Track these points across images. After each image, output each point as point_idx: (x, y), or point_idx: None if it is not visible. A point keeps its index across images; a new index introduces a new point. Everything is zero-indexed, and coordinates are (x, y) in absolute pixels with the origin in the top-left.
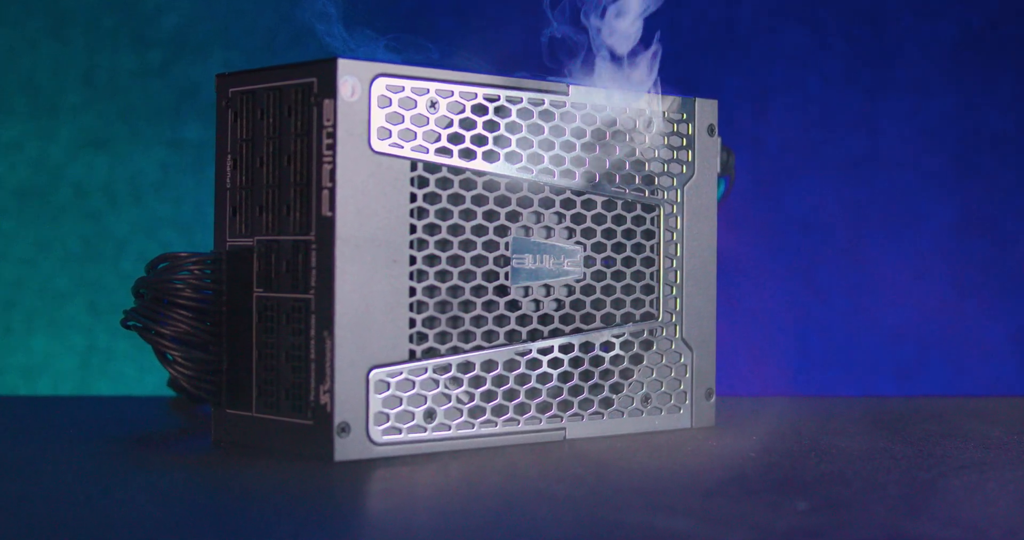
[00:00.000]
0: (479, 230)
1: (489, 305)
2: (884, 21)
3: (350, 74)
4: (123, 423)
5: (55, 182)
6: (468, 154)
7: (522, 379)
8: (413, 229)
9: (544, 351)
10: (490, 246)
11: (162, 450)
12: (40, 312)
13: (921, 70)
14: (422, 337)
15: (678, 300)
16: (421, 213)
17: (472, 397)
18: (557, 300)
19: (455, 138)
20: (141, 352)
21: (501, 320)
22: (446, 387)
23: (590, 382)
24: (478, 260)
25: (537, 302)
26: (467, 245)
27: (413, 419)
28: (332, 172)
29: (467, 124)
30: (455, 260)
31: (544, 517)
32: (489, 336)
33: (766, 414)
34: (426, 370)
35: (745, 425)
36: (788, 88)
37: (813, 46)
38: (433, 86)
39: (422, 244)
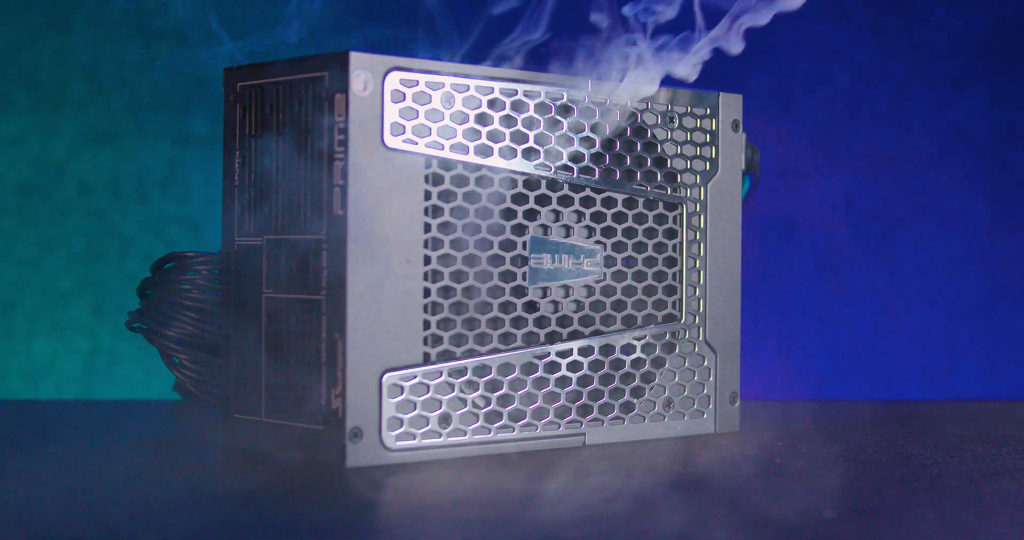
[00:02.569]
0: (496, 229)
1: (506, 306)
2: (914, 13)
3: (362, 68)
4: (128, 428)
5: (58, 179)
6: (484, 150)
7: (540, 383)
8: (428, 228)
9: (563, 354)
10: (507, 245)
11: (168, 456)
12: (42, 313)
13: (952, 64)
14: (437, 340)
15: (701, 301)
16: (436, 211)
17: (488, 402)
18: (576, 301)
19: (471, 134)
20: (147, 355)
21: (518, 322)
22: (462, 391)
23: (610, 386)
24: (495, 260)
25: (556, 303)
26: (483, 244)
27: (427, 424)
28: (344, 169)
29: (483, 119)
30: (471, 260)
31: (563, 526)
32: (506, 338)
33: (792, 419)
34: (441, 374)
35: (770, 430)
36: (815, 82)
37: (841, 39)
38: (448, 80)
39: (437, 243)
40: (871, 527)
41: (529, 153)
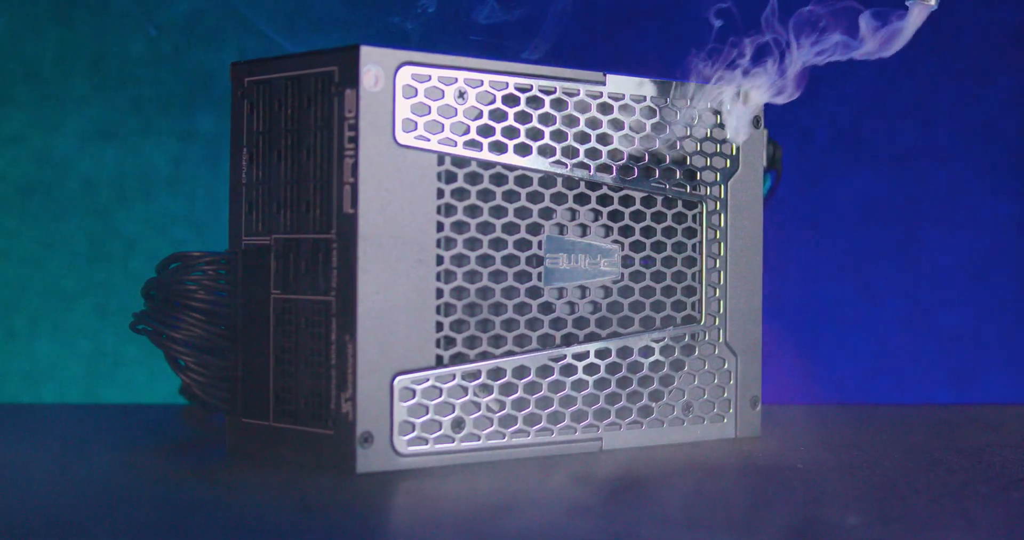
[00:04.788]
0: (510, 228)
1: (521, 308)
2: (942, 5)
3: (373, 62)
4: (132, 433)
5: (61, 177)
6: (499, 147)
7: (556, 386)
8: (440, 227)
9: (579, 356)
10: (522, 245)
11: (173, 461)
12: (45, 315)
13: (980, 57)
14: (450, 342)
15: (722, 302)
16: (449, 210)
17: (503, 405)
18: (593, 302)
19: (485, 130)
20: (151, 357)
21: (534, 323)
22: (475, 395)
23: (628, 389)
24: (509, 260)
25: (572, 304)
26: (497, 244)
27: (440, 429)
28: (354, 166)
29: (497, 115)
30: (485, 260)
31: (579, 533)
32: (521, 341)
33: (815, 423)
34: (454, 377)
35: (792, 435)
36: (839, 76)
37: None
38: (461, 75)
39: (450, 243)
40: (895, 534)
41: (545, 150)
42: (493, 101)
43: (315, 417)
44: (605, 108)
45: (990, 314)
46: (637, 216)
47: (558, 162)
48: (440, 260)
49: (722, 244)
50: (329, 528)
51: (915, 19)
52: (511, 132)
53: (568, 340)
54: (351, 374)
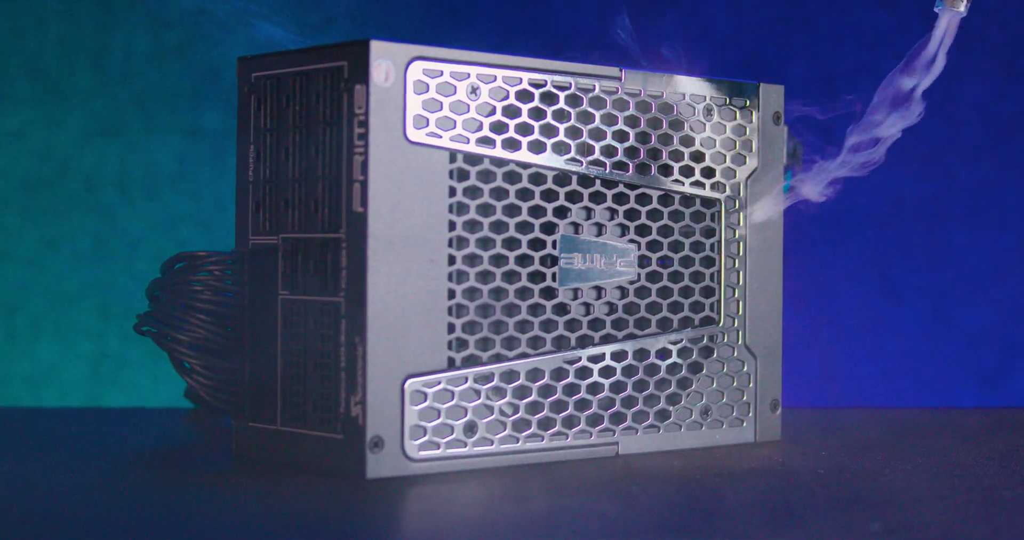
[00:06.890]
0: (524, 227)
1: (535, 309)
2: None
3: (384, 57)
4: (136, 437)
5: (63, 174)
6: (512, 144)
7: (571, 389)
8: (452, 226)
9: (595, 359)
10: (536, 244)
11: (179, 467)
12: (47, 316)
13: (1005, 52)
14: (462, 344)
15: (741, 303)
16: (461, 208)
17: (516, 409)
18: (609, 303)
19: (498, 127)
20: (156, 360)
21: (548, 325)
22: (488, 398)
23: (645, 393)
24: (523, 260)
25: (587, 305)
26: (511, 243)
27: (452, 433)
28: (364, 164)
29: (511, 112)
30: (498, 260)
31: None
32: (535, 343)
33: (836, 427)
34: (466, 379)
35: (813, 439)
36: (861, 72)
37: (887, 26)
38: (474, 70)
39: (462, 242)
40: None
41: (559, 147)
42: (506, 97)
43: (324, 421)
44: (621, 104)
45: (1015, 315)
46: (654, 215)
47: (573, 160)
48: (452, 260)
49: (741, 244)
50: (338, 535)
51: (944, 26)
52: (525, 129)
53: (583, 342)
54: (361, 377)
